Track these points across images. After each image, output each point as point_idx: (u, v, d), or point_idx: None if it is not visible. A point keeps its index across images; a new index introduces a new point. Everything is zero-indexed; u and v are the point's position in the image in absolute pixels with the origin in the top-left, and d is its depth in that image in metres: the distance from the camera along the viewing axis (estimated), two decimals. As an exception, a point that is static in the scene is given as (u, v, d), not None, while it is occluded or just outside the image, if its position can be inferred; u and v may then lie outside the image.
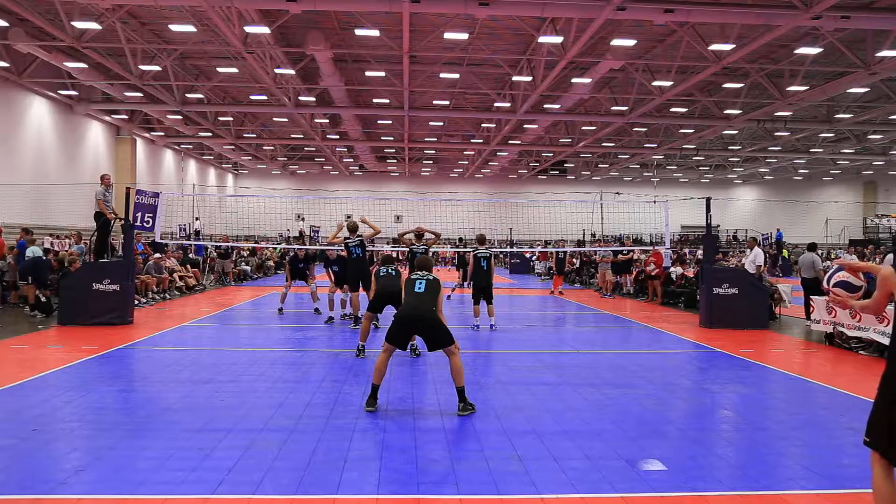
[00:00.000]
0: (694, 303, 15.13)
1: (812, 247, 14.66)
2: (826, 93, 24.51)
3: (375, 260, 15.67)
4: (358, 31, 19.94)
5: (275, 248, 31.76)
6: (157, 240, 15.61)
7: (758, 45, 18.92)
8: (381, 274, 8.56)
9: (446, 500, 4.10)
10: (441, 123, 35.93)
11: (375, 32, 19.61)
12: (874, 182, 54.59)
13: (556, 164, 48.99)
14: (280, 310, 14.07)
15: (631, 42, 19.98)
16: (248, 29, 18.49)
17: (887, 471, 3.25)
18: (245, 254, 28.33)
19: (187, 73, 26.28)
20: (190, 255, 21.61)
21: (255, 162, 48.75)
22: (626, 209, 25.79)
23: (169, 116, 31.44)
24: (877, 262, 22.92)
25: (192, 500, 4.02)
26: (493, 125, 34.58)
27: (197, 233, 31.87)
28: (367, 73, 25.01)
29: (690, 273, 17.43)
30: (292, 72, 23.75)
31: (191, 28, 19.25)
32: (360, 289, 11.65)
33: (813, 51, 20.73)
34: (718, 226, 44.68)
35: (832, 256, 33.23)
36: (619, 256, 20.44)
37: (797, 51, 20.90)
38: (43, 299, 12.79)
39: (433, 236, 12.65)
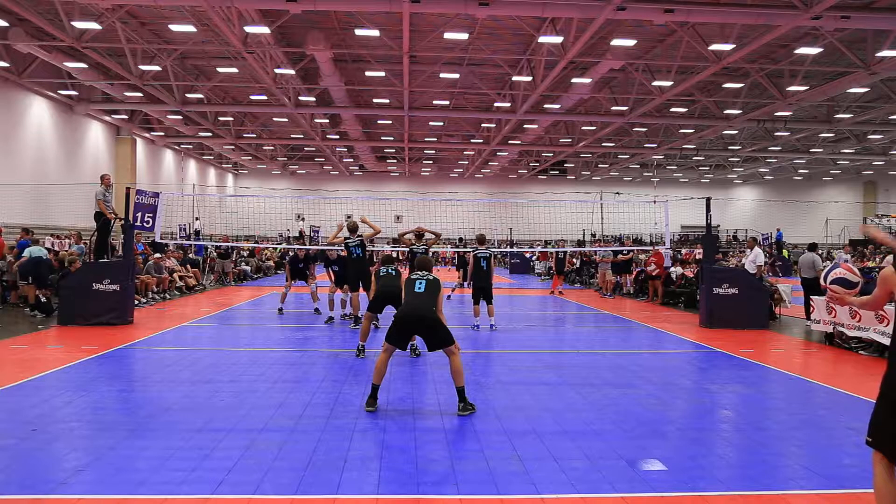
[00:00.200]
0: (694, 303, 15.13)
1: (812, 247, 14.67)
2: (826, 93, 24.52)
3: (375, 260, 15.68)
4: (358, 31, 19.95)
5: (275, 249, 31.75)
6: (157, 240, 15.61)
7: (758, 45, 18.93)
8: (382, 274, 8.56)
9: (446, 500, 4.10)
10: (441, 123, 35.94)
11: (375, 32, 19.62)
12: (874, 182, 54.61)
13: (556, 164, 48.98)
14: (280, 310, 14.07)
15: (631, 42, 19.98)
16: (248, 29, 18.50)
17: (889, 471, 3.26)
18: (245, 254, 28.34)
19: (187, 73, 26.28)
20: (190, 255, 21.61)
21: (255, 162, 48.75)
22: (626, 209, 25.81)
23: (169, 116, 31.45)
24: (876, 262, 22.94)
25: (192, 500, 4.02)
26: (493, 125, 34.59)
27: (197, 233, 31.87)
28: (367, 73, 25.01)
29: (690, 273, 17.44)
30: (292, 72, 23.76)
31: (191, 28, 19.27)
32: (360, 289, 11.66)
33: (813, 51, 20.74)
34: (718, 226, 44.68)
35: (833, 257, 33.19)
36: (619, 256, 20.44)
37: (797, 51, 20.91)
38: (43, 299, 12.79)
39: (433, 236, 12.66)
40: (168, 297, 16.91)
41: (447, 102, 30.08)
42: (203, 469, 4.51)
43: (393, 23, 19.52)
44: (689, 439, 5.46)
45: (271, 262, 30.06)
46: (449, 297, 17.96)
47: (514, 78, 24.77)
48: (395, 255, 18.14)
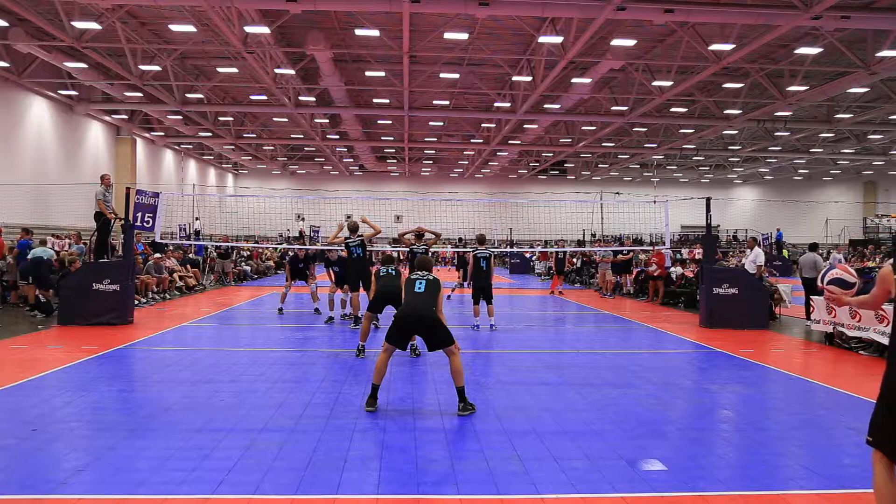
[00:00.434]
0: (694, 303, 15.13)
1: (813, 247, 14.67)
2: (826, 93, 24.52)
3: (375, 260, 15.68)
4: (358, 31, 19.95)
5: (275, 249, 31.75)
6: (157, 240, 15.61)
7: (758, 45, 18.93)
8: (382, 274, 8.56)
9: (446, 500, 4.10)
10: (441, 123, 35.94)
11: (375, 32, 19.62)
12: (874, 182, 54.62)
13: (556, 164, 48.99)
14: (280, 310, 14.07)
15: (631, 42, 19.98)
16: (248, 29, 18.50)
17: (889, 470, 3.27)
18: (245, 254, 28.34)
19: (187, 73, 26.29)
20: (190, 255, 21.61)
21: (255, 162, 48.75)
22: (626, 209, 25.78)
23: (169, 116, 31.45)
24: (876, 262, 22.92)
25: (192, 500, 4.02)
26: (493, 125, 34.59)
27: (197, 233, 31.87)
28: (367, 73, 25.01)
29: (690, 273, 17.44)
30: (292, 72, 23.76)
31: (191, 28, 19.26)
32: (361, 289, 11.66)
33: (813, 51, 20.74)
34: (718, 226, 44.68)
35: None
36: (619, 256, 20.44)
37: (797, 51, 20.91)
38: (43, 299, 12.79)
39: (433, 236, 12.66)
40: (168, 297, 16.91)
41: (447, 102, 30.08)
42: (203, 469, 4.51)
43: (393, 23, 19.52)
44: (689, 439, 5.46)
45: (271, 262, 30.06)
46: (449, 297, 17.96)
47: (514, 78, 24.77)
48: (395, 255, 18.14)
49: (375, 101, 30.40)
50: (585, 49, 20.45)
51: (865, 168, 48.93)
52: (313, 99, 28.59)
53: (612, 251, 21.17)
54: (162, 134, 37.06)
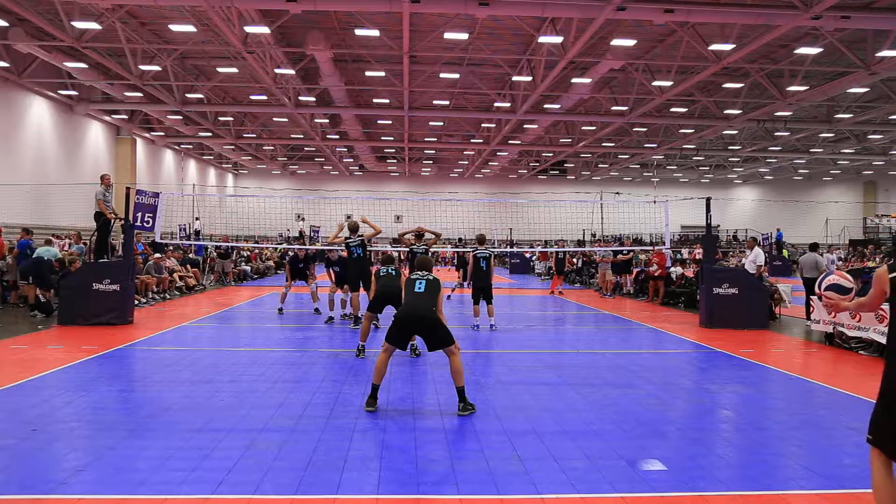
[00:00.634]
0: (694, 303, 15.13)
1: (814, 247, 14.67)
2: (826, 93, 24.52)
3: (374, 260, 15.69)
4: (358, 31, 19.95)
5: (275, 249, 31.75)
6: (157, 240, 15.61)
7: (758, 45, 18.93)
8: (382, 274, 8.56)
9: (446, 500, 4.10)
10: (441, 123, 35.94)
11: (375, 32, 19.62)
12: (874, 182, 54.62)
13: (556, 164, 48.99)
14: (280, 310, 14.07)
15: (631, 42, 19.98)
16: (248, 29, 18.50)
17: (887, 468, 3.31)
18: (245, 254, 28.34)
19: (187, 73, 26.29)
20: (190, 255, 21.61)
21: (255, 162, 48.76)
22: (626, 209, 25.78)
23: (169, 116, 31.46)
24: (876, 262, 22.91)
25: (192, 500, 4.02)
26: (493, 125, 34.60)
27: (197, 233, 31.88)
28: (367, 73, 25.01)
29: (690, 273, 17.44)
30: (292, 72, 23.77)
31: (191, 28, 19.27)
32: (361, 289, 11.65)
33: (813, 51, 20.74)
34: (718, 226, 44.69)
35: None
36: (619, 256, 20.44)
37: (797, 51, 20.91)
38: (43, 299, 12.79)
39: (433, 236, 12.66)
40: (168, 297, 16.91)
41: (447, 102, 30.08)
42: (203, 469, 4.51)
43: (393, 23, 19.53)
44: (689, 439, 5.46)
45: (271, 262, 30.06)
46: (449, 297, 17.96)
47: (514, 78, 24.78)
48: (395, 255, 18.14)
49: (375, 101, 30.40)
50: (585, 49, 20.45)
51: (865, 168, 48.93)
52: (313, 99, 28.59)
53: (612, 251, 21.17)
54: (162, 134, 37.06)
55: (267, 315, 13.94)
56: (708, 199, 13.19)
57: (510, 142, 37.94)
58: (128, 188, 12.74)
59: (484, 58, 23.93)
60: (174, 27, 19.44)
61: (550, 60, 21.55)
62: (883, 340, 8.99)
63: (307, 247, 16.89)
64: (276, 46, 21.31)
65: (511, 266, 35.92)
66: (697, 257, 23.69)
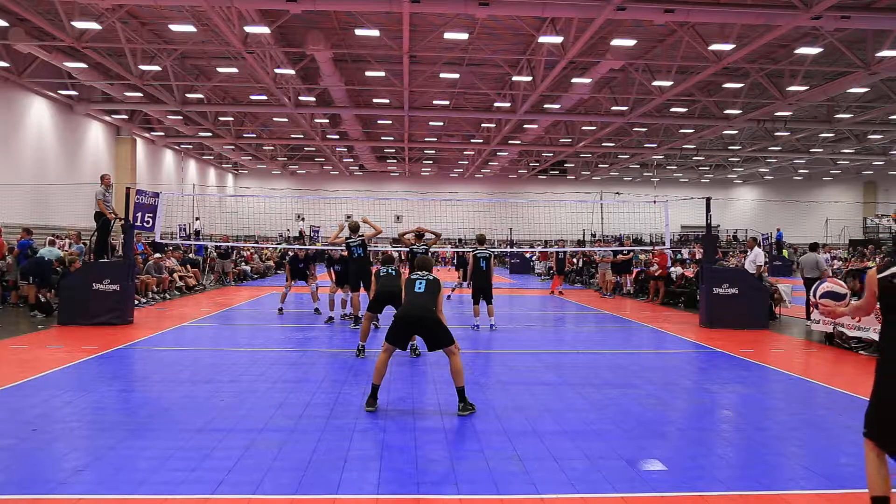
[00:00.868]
0: (694, 303, 15.13)
1: (814, 247, 14.67)
2: (826, 93, 24.51)
3: (373, 261, 15.68)
4: (358, 31, 19.95)
5: (275, 249, 31.76)
6: (157, 240, 15.61)
7: (758, 45, 18.92)
8: (382, 274, 8.56)
9: (446, 500, 4.10)
10: (441, 123, 35.93)
11: (375, 32, 19.61)
12: (874, 182, 54.61)
13: (556, 164, 48.98)
14: (280, 310, 14.07)
15: (631, 42, 19.97)
16: (248, 29, 18.50)
17: (881, 458, 3.46)
18: (245, 254, 28.34)
19: (187, 73, 26.28)
20: (190, 255, 21.62)
21: (255, 162, 48.75)
22: (626, 209, 25.81)
23: (169, 116, 31.44)
24: (876, 263, 22.91)
25: (192, 500, 4.02)
26: (493, 125, 34.59)
27: (197, 233, 31.88)
28: (367, 73, 25.00)
29: (690, 273, 17.45)
30: (292, 72, 23.76)
31: (191, 28, 19.26)
32: (361, 289, 11.66)
33: (813, 51, 20.74)
34: (718, 226, 44.70)
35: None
36: (619, 256, 20.44)
37: (797, 51, 20.91)
38: (43, 300, 12.79)
39: (433, 236, 12.66)
40: (168, 297, 16.91)
41: (447, 102, 30.07)
42: (203, 469, 4.51)
43: (393, 23, 19.52)
44: (689, 439, 5.47)
45: (271, 262, 30.06)
46: (449, 297, 17.96)
47: (514, 78, 24.77)
48: (395, 255, 18.14)
49: (375, 101, 30.39)
50: (585, 49, 20.44)
51: (865, 168, 48.91)
52: (313, 99, 28.59)
53: (612, 251, 21.17)
54: (162, 134, 37.06)
55: (267, 315, 13.95)
56: (708, 199, 13.19)
57: (510, 142, 37.93)
58: (128, 188, 12.74)
59: (484, 58, 23.92)
60: (174, 27, 19.43)
61: (550, 60, 21.54)
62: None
63: (307, 247, 16.89)
64: (276, 46, 21.31)
65: (511, 266, 35.92)
66: (697, 257, 23.70)
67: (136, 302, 13.58)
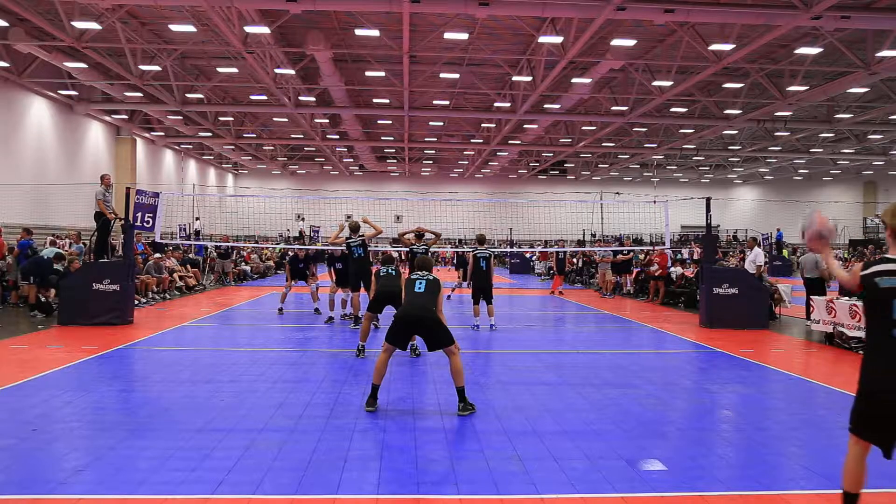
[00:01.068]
0: (694, 303, 15.13)
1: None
2: (826, 93, 24.51)
3: (373, 261, 15.69)
4: (358, 31, 19.95)
5: (274, 249, 31.75)
6: (157, 240, 15.61)
7: (758, 45, 18.92)
8: (382, 274, 8.56)
9: (446, 500, 4.10)
10: (441, 123, 35.93)
11: (375, 32, 19.61)
12: (874, 182, 54.60)
13: (556, 164, 48.98)
14: (280, 310, 14.07)
15: (631, 42, 19.97)
16: (248, 29, 18.49)
17: (864, 453, 3.53)
18: (244, 254, 28.34)
19: (187, 73, 26.28)
20: (190, 255, 21.61)
21: (255, 162, 48.75)
22: (626, 209, 25.82)
23: (169, 116, 31.44)
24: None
25: (192, 500, 4.02)
26: (493, 125, 34.59)
27: (197, 233, 31.87)
28: (367, 73, 25.00)
29: (690, 273, 17.45)
30: (292, 72, 23.76)
31: (191, 28, 19.26)
32: (361, 289, 11.66)
33: (813, 51, 20.74)
34: (718, 226, 44.69)
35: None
36: (619, 256, 20.44)
37: (797, 51, 20.90)
38: (43, 299, 12.79)
39: (433, 236, 12.66)
40: (168, 297, 16.91)
41: (447, 102, 30.07)
42: (203, 469, 4.51)
43: (393, 23, 19.52)
44: (689, 439, 5.47)
45: (271, 262, 30.06)
46: (449, 297, 17.96)
47: (514, 78, 24.77)
48: (395, 255, 18.14)
49: (375, 101, 30.39)
50: (585, 49, 20.44)
51: (865, 168, 48.91)
52: (313, 99, 28.59)
53: (612, 251, 21.17)
54: (162, 134, 37.05)
55: (267, 315, 13.95)
56: (708, 199, 13.19)
57: (510, 142, 37.93)
58: (128, 188, 12.74)
59: (484, 58, 23.92)
60: (174, 27, 19.43)
61: (550, 60, 21.54)
62: None
63: (307, 247, 16.89)
64: (276, 46, 21.31)
65: (511, 266, 35.92)
66: (695, 256, 23.70)
67: (136, 302, 13.58)
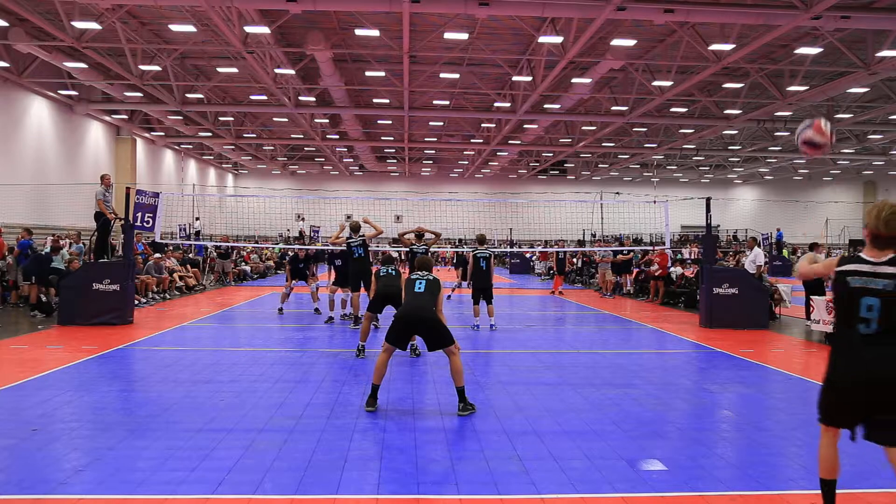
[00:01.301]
0: (694, 303, 15.13)
1: (813, 247, 14.66)
2: (826, 93, 24.51)
3: (373, 261, 15.69)
4: (358, 31, 19.95)
5: (274, 250, 31.74)
6: (157, 240, 15.61)
7: (758, 45, 18.92)
8: (382, 274, 8.56)
9: (446, 500, 4.10)
10: (441, 123, 35.94)
11: (375, 32, 19.61)
12: (874, 182, 54.60)
13: (556, 164, 48.97)
14: (280, 310, 14.07)
15: (631, 42, 19.98)
16: (248, 29, 18.50)
17: (835, 440, 3.66)
18: (243, 254, 28.34)
19: (187, 73, 26.28)
20: (190, 255, 21.61)
21: (255, 162, 48.75)
22: (626, 209, 25.82)
23: (169, 116, 31.44)
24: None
25: (192, 500, 4.02)
26: (493, 125, 34.59)
27: (197, 233, 31.87)
28: (367, 73, 25.01)
29: (690, 273, 17.45)
30: (292, 72, 23.76)
31: (191, 28, 19.26)
32: (361, 289, 11.66)
33: (813, 51, 20.74)
34: (718, 226, 44.68)
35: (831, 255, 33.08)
36: (619, 256, 20.44)
37: (797, 51, 20.91)
38: (44, 299, 12.79)
39: (433, 236, 12.66)
40: (168, 297, 16.91)
41: (447, 102, 30.07)
42: (203, 469, 4.51)
43: (393, 23, 19.52)
44: (689, 439, 5.46)
45: (271, 262, 30.06)
46: (449, 297, 17.97)
47: (514, 78, 24.77)
48: (395, 255, 18.14)
49: (375, 101, 30.39)
50: (585, 49, 20.44)
51: (865, 168, 48.92)
52: (313, 99, 28.59)
53: (612, 251, 21.17)
54: (162, 134, 37.05)
55: (267, 315, 13.95)
56: (708, 199, 13.19)
57: (510, 142, 37.93)
58: (128, 188, 12.74)
59: (484, 58, 23.92)
60: (174, 27, 19.43)
61: (550, 60, 21.54)
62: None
63: (307, 246, 16.89)
64: (276, 46, 21.31)
65: (511, 266, 35.91)
66: (696, 256, 23.67)
67: (136, 302, 13.58)
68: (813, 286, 12.83)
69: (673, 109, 29.67)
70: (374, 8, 17.25)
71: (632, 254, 21.28)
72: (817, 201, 48.33)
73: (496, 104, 28.86)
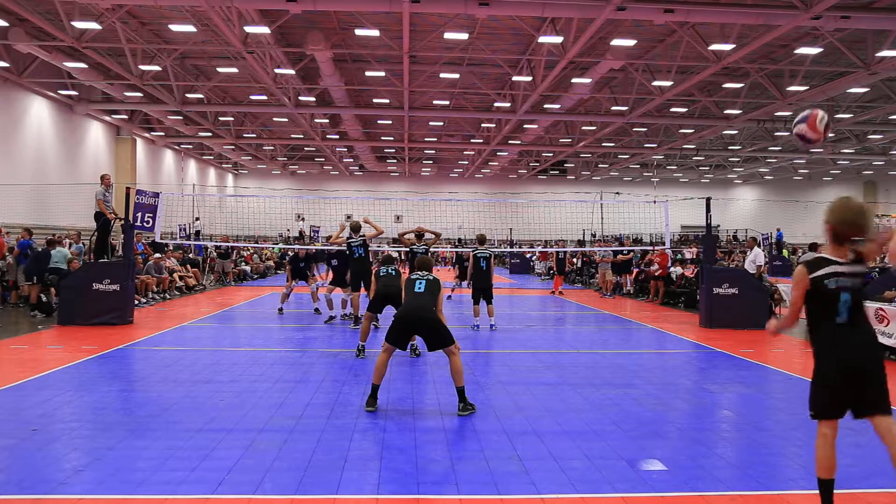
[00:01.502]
0: (694, 303, 15.13)
1: (813, 247, 14.67)
2: (826, 93, 24.51)
3: (373, 261, 15.69)
4: (358, 31, 19.95)
5: (273, 250, 31.74)
6: (157, 240, 15.61)
7: (758, 45, 18.92)
8: (381, 274, 8.56)
9: (446, 500, 4.10)
10: (441, 123, 35.93)
11: (375, 32, 19.62)
12: (874, 182, 54.59)
13: (556, 164, 48.97)
14: (280, 310, 14.07)
15: (631, 42, 19.98)
16: (248, 29, 18.50)
17: (833, 435, 3.72)
18: (244, 254, 28.34)
19: (187, 73, 26.28)
20: (190, 255, 21.61)
21: (255, 162, 48.75)
22: (626, 209, 25.80)
23: (169, 116, 31.44)
24: (876, 262, 22.91)
25: (192, 500, 4.02)
26: (493, 125, 34.59)
27: (197, 233, 31.86)
28: (367, 73, 25.01)
29: (690, 273, 17.45)
30: (292, 72, 23.75)
31: (191, 28, 19.26)
32: (361, 289, 11.66)
33: (813, 51, 20.74)
34: (718, 226, 44.67)
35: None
36: (619, 256, 20.44)
37: (797, 51, 20.91)
38: (44, 299, 12.79)
39: (433, 236, 12.67)
40: (168, 297, 16.91)
41: (447, 102, 30.07)
42: (203, 469, 4.51)
43: (393, 23, 19.52)
44: (689, 439, 5.46)
45: (271, 262, 30.06)
46: (449, 297, 17.97)
47: (514, 78, 24.77)
48: (395, 255, 18.13)
49: (375, 101, 30.39)
50: (585, 49, 20.44)
51: (865, 168, 48.91)
52: (313, 99, 28.58)
53: (612, 251, 21.17)
54: (162, 134, 37.05)
55: (267, 315, 13.95)
56: (708, 199, 13.19)
57: (510, 142, 37.92)
58: (128, 188, 12.74)
59: (484, 58, 23.91)
60: (174, 27, 19.43)
61: (550, 60, 21.54)
62: (882, 341, 9.00)
63: (307, 246, 16.89)
64: (276, 46, 21.31)
65: (511, 266, 35.90)
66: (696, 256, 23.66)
67: (136, 302, 13.59)
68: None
69: (673, 109, 29.67)
70: (374, 8, 17.25)
71: (632, 254, 21.28)
72: (817, 201, 47.99)
73: (496, 104, 28.86)
